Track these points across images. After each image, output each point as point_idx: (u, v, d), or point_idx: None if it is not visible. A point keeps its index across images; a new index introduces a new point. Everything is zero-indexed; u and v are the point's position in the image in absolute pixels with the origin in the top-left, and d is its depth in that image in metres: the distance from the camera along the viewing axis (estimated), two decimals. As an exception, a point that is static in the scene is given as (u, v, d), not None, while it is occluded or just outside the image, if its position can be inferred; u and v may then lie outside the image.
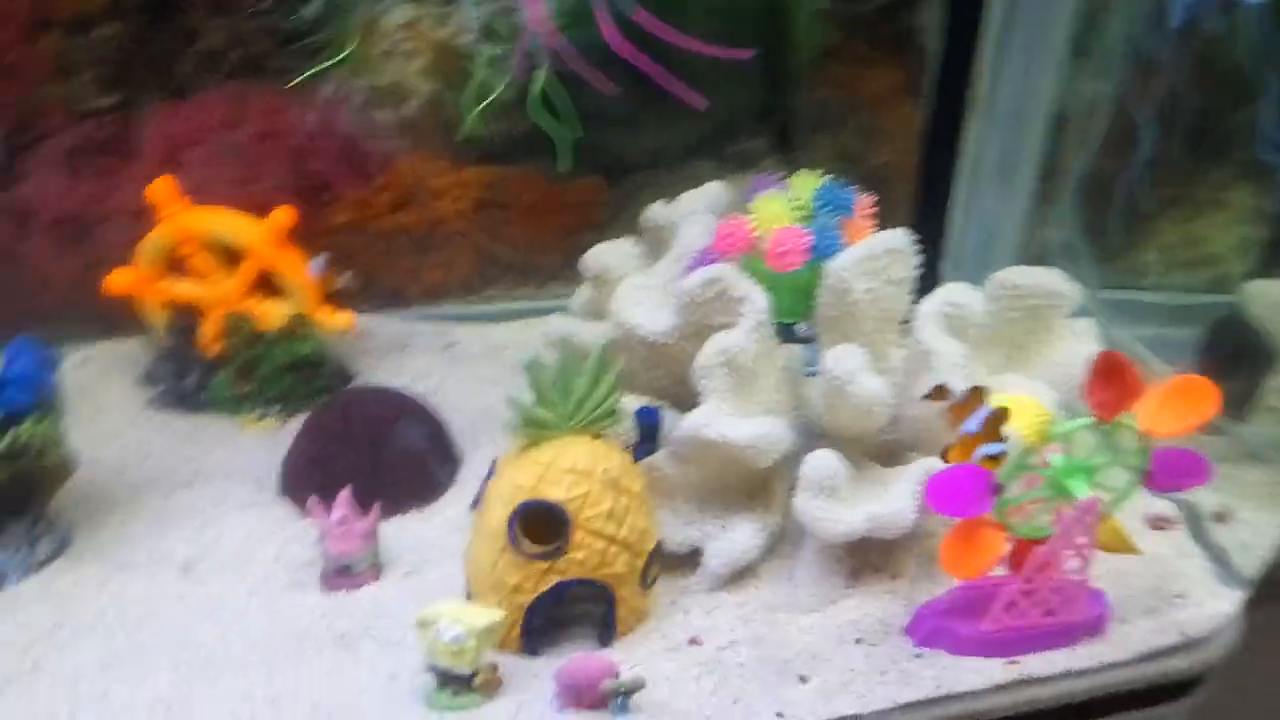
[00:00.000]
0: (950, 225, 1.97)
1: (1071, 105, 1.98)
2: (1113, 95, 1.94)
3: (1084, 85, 1.94)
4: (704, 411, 1.39)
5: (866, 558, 1.47)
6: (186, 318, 1.89)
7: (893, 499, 1.39)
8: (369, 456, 1.60)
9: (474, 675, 1.26)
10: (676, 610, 1.42)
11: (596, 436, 1.33)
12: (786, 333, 1.55)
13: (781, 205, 1.50)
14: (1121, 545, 1.37)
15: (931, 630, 1.37)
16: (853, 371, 1.39)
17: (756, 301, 1.42)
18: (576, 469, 1.28)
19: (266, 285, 1.89)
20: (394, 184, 2.11)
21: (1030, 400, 1.29)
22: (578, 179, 2.17)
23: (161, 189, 1.79)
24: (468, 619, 1.25)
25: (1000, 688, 1.32)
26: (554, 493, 1.27)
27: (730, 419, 1.39)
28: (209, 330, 1.88)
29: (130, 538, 1.59)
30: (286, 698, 1.29)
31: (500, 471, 1.33)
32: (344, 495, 1.47)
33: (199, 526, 1.61)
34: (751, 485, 1.50)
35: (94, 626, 1.41)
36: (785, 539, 1.51)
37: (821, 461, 1.37)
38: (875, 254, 1.45)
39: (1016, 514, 1.33)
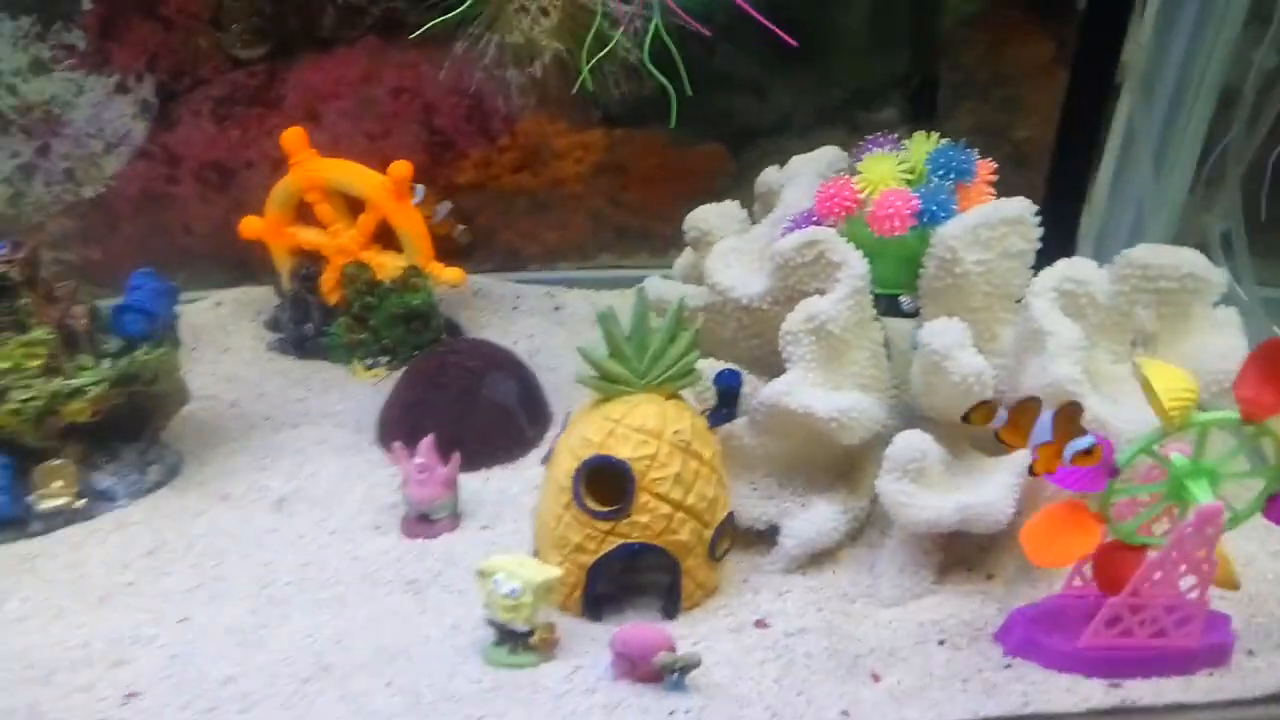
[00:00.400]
0: (1093, 205, 1.80)
1: (1244, 78, 1.77)
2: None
3: (1261, 56, 1.74)
4: (787, 380, 1.32)
5: (959, 553, 1.36)
6: (310, 265, 1.95)
7: (989, 490, 1.29)
8: (459, 406, 1.61)
9: (531, 633, 1.24)
10: (747, 589, 1.36)
11: (671, 396, 1.28)
12: (890, 305, 1.45)
13: (890, 166, 1.40)
14: (1221, 575, 1.21)
15: (1024, 639, 1.25)
16: (950, 346, 1.28)
17: (855, 267, 1.33)
18: (645, 428, 1.23)
19: (387, 238, 1.94)
20: (517, 144, 2.12)
21: (1178, 370, 1.14)
22: (700, 144, 2.12)
23: (293, 138, 1.85)
24: (525, 573, 1.23)
25: (1098, 713, 1.18)
26: (621, 450, 1.23)
27: (815, 390, 1.31)
28: (329, 278, 1.93)
29: (234, 470, 1.64)
30: (352, 637, 1.30)
31: (571, 426, 1.30)
32: (426, 442, 1.48)
33: (297, 465, 1.65)
34: (838, 464, 1.42)
35: (188, 552, 1.46)
36: (873, 525, 1.43)
37: (909, 442, 1.28)
38: (990, 223, 1.34)
39: (1124, 509, 1.20)
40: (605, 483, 1.25)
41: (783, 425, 1.34)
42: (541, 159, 2.14)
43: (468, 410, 1.61)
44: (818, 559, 1.38)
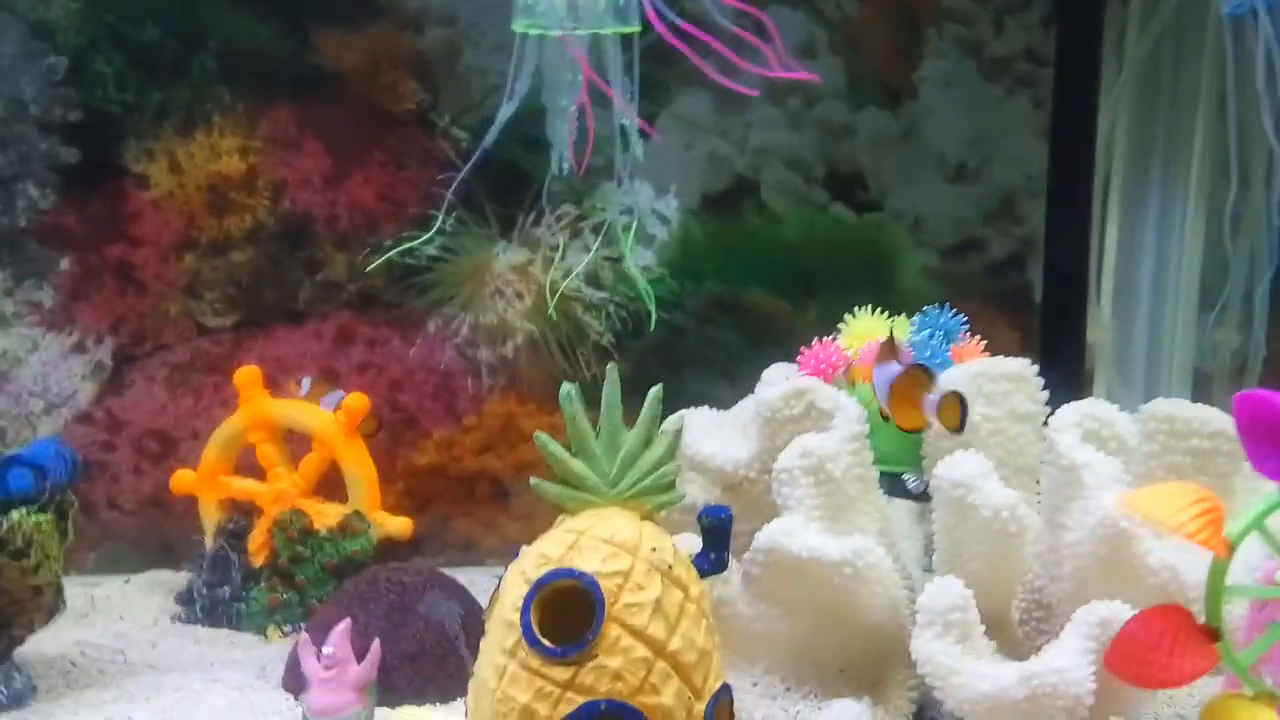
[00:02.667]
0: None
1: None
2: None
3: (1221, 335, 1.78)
4: (787, 521, 1.11)
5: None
6: (240, 519, 1.75)
7: (1057, 654, 1.02)
8: (387, 623, 1.34)
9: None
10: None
11: (646, 517, 1.06)
12: (893, 485, 1.29)
13: (875, 321, 1.32)
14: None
15: None
16: (974, 476, 1.10)
17: (850, 411, 1.19)
18: (616, 540, 1.01)
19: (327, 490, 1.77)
20: (483, 424, 2.02)
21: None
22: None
23: (246, 375, 1.75)
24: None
25: None
26: (586, 563, 0.99)
27: (820, 533, 1.10)
28: (259, 535, 1.72)
29: (95, 704, 1.32)
30: None
31: (523, 552, 1.06)
32: (340, 629, 1.20)
33: (175, 701, 1.33)
34: (859, 654, 1.15)
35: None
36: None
37: (946, 587, 1.05)
38: (992, 375, 1.24)
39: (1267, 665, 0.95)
40: (566, 616, 0.99)
41: (786, 585, 1.11)
42: (508, 441, 2.03)
43: (397, 627, 1.34)
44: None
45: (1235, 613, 1.06)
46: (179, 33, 1.92)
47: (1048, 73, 1.99)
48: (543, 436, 1.05)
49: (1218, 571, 0.96)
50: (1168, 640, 0.91)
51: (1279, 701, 0.93)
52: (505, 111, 1.55)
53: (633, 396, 1.97)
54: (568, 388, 1.06)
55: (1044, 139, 1.95)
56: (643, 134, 1.46)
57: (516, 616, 0.99)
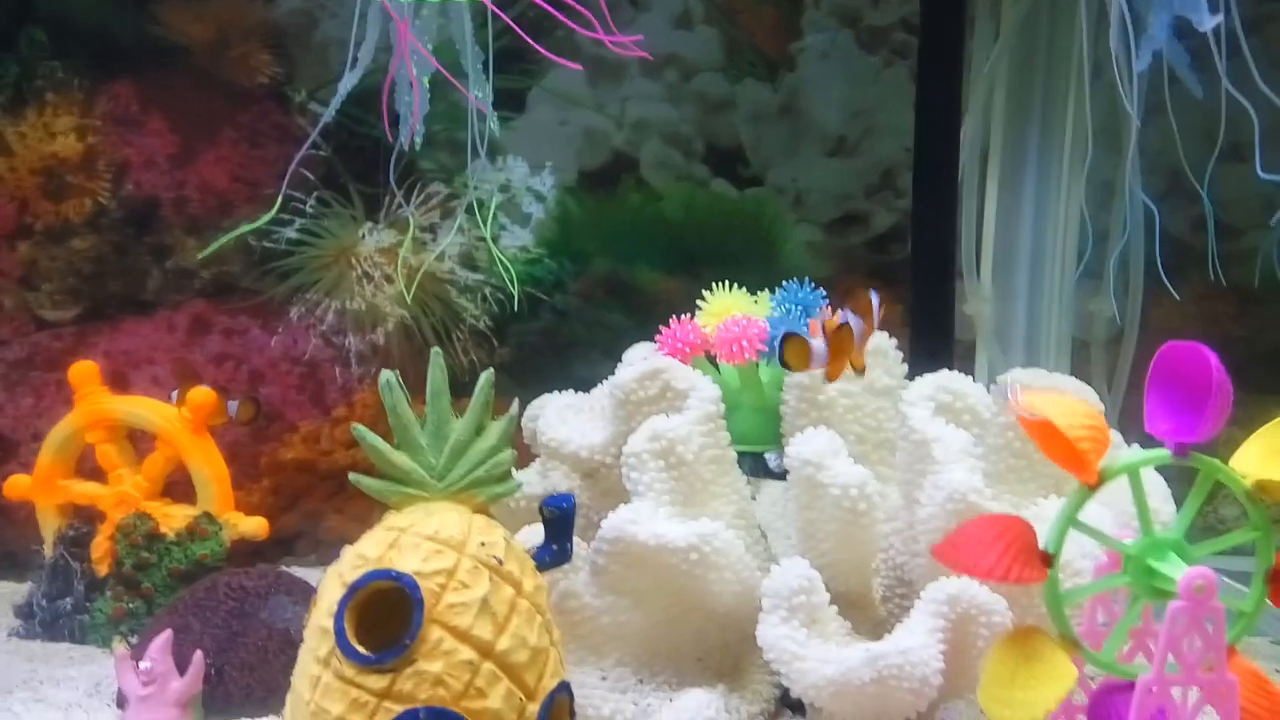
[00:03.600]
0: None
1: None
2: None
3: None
4: (633, 507, 1.05)
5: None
6: (80, 526, 1.63)
7: (906, 636, 0.98)
8: (226, 631, 1.25)
9: None
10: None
11: (480, 510, 0.99)
12: (754, 465, 1.24)
13: (737, 299, 1.27)
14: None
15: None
16: (823, 453, 1.05)
17: (705, 391, 1.14)
18: (440, 536, 0.93)
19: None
20: (354, 415, 1.92)
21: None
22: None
23: (81, 371, 1.63)
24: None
25: None
26: (406, 563, 0.91)
27: (668, 519, 1.04)
28: (102, 542, 1.60)
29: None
30: None
31: (343, 553, 0.98)
32: (161, 640, 1.11)
33: (-9, 725, 1.22)
34: (713, 644, 1.09)
35: None
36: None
37: (792, 569, 1.00)
38: (850, 348, 1.18)
39: (1093, 632, 0.91)
40: (383, 621, 0.92)
41: (634, 575, 1.05)
42: (382, 432, 1.93)
43: (237, 635, 1.25)
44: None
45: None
46: (4, 3, 1.78)
47: (923, 42, 1.96)
48: (360, 428, 0.98)
49: (1077, 500, 0.91)
50: (1004, 544, 0.86)
51: (1078, 651, 0.89)
52: (348, 80, 1.45)
53: (514, 380, 1.91)
54: (386, 375, 0.99)
55: (920, 111, 1.92)
56: (483, 114, 1.37)
57: (331, 623, 0.91)
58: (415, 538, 0.93)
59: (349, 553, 0.96)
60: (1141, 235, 1.80)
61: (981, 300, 1.88)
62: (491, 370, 1.02)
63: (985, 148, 1.88)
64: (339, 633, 0.91)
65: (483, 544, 0.94)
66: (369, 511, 1.92)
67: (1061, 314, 1.89)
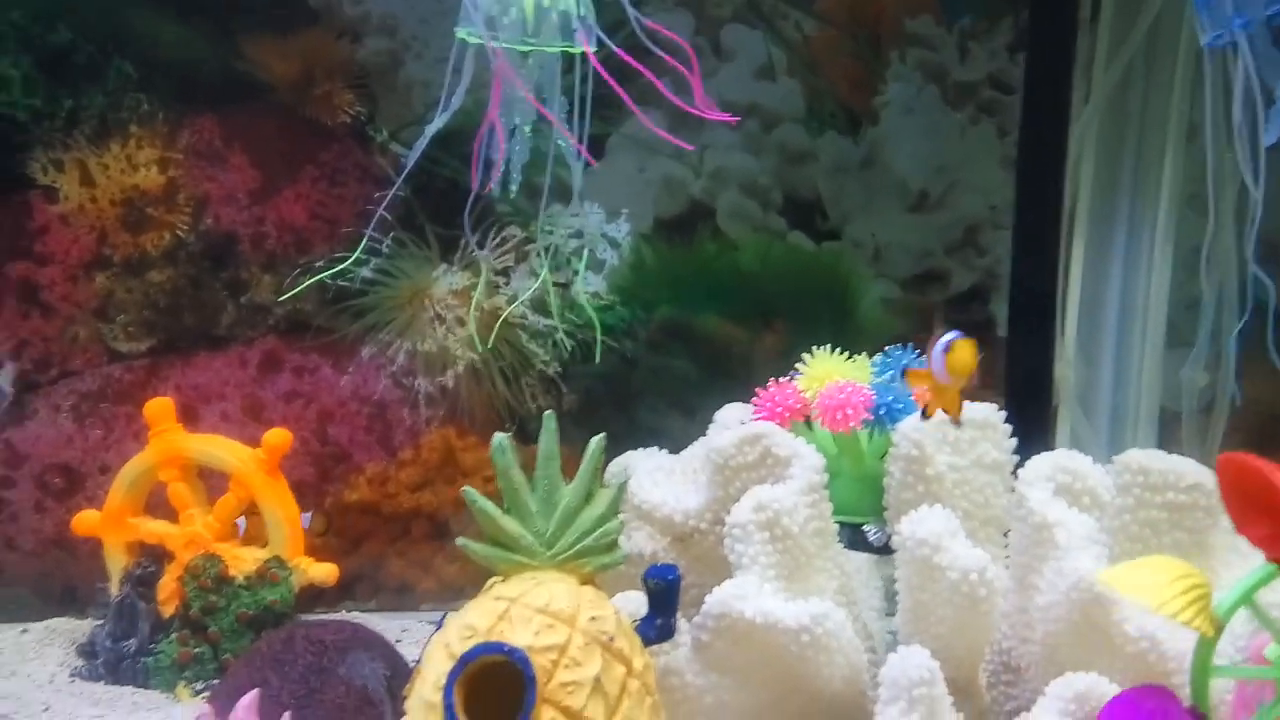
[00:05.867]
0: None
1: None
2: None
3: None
4: (740, 583, 1.01)
5: None
6: (149, 563, 1.61)
7: (1027, 731, 0.93)
8: (304, 686, 1.21)
9: None
10: None
11: (586, 581, 0.95)
12: (854, 537, 1.19)
13: (837, 363, 1.23)
14: None
15: None
16: (940, 534, 1.01)
17: (809, 459, 1.10)
18: (551, 609, 0.90)
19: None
20: (419, 458, 1.90)
21: (1146, 562, 0.88)
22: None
23: (157, 408, 1.62)
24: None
25: None
26: (518, 636, 0.88)
27: (774, 594, 1.00)
28: (169, 583, 1.58)
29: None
30: None
31: (448, 621, 0.95)
32: (247, 701, 1.07)
33: (62, 775, 1.19)
34: (821, 719, 1.05)
35: None
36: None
37: (911, 659, 0.95)
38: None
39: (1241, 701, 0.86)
40: (494, 697, 0.88)
41: (739, 654, 1.00)
42: (446, 476, 1.91)
43: (315, 692, 1.21)
44: None
45: (1219, 685, 0.98)
46: (94, 35, 1.79)
47: (1013, 100, 1.93)
48: (471, 492, 0.94)
49: (1204, 651, 0.88)
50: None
51: None
52: (436, 123, 1.44)
53: (580, 427, 1.87)
54: (500, 438, 0.95)
55: (1009, 168, 1.88)
56: (582, 157, 1.35)
57: (439, 697, 0.88)
58: (526, 609, 0.89)
59: (456, 623, 0.92)
60: (1235, 305, 1.76)
61: (1066, 364, 1.83)
62: (603, 436, 0.98)
63: (1073, 209, 1.85)
64: (448, 708, 0.87)
65: (593, 619, 0.91)
66: (432, 557, 1.93)
67: (1151, 381, 1.84)
